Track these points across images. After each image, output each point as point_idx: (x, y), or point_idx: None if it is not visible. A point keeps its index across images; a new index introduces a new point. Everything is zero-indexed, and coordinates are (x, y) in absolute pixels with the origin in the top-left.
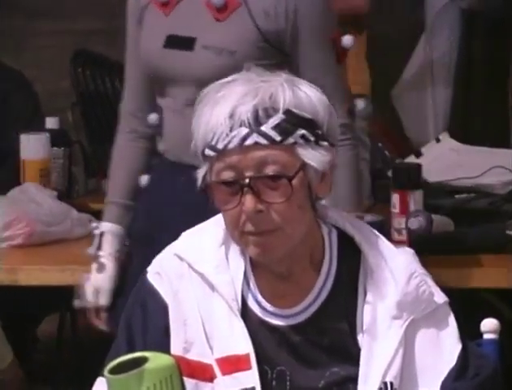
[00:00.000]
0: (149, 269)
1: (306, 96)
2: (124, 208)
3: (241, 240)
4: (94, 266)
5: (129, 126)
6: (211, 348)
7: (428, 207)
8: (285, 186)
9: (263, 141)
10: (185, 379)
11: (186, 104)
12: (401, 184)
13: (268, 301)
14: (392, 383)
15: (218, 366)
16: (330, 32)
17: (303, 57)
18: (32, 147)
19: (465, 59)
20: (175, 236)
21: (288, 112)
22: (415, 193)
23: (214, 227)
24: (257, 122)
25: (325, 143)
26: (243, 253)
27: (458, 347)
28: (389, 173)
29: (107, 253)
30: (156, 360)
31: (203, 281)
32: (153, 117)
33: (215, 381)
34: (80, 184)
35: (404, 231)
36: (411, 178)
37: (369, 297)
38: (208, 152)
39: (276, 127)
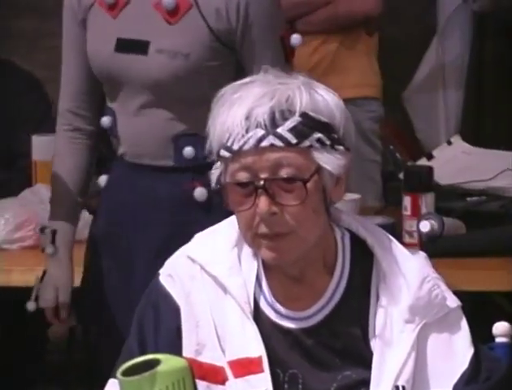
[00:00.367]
0: (162, 271)
1: (323, 99)
2: (74, 205)
3: (254, 242)
4: (52, 263)
5: (68, 123)
6: (223, 350)
7: (440, 210)
8: (300, 189)
9: (279, 143)
10: (198, 381)
11: (141, 107)
12: (412, 187)
13: (281, 303)
14: (404, 387)
15: (230, 368)
16: (279, 30)
17: (252, 55)
18: (44, 148)
19: (476, 62)
20: (146, 233)
21: (304, 115)
22: (427, 196)
23: (227, 229)
24: (273, 124)
25: (341, 147)
26: (255, 255)
27: (470, 351)
28: (401, 176)
29: (63, 251)
30: (169, 362)
31: (215, 283)
32: (105, 120)
33: (227, 383)
34: (91, 184)
35: (415, 234)
36: (423, 181)
37: (382, 301)
38: (223, 153)
39: (292, 130)
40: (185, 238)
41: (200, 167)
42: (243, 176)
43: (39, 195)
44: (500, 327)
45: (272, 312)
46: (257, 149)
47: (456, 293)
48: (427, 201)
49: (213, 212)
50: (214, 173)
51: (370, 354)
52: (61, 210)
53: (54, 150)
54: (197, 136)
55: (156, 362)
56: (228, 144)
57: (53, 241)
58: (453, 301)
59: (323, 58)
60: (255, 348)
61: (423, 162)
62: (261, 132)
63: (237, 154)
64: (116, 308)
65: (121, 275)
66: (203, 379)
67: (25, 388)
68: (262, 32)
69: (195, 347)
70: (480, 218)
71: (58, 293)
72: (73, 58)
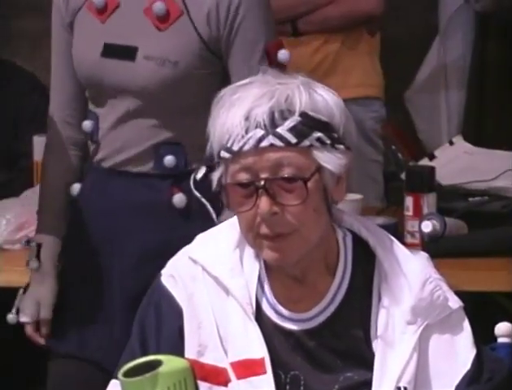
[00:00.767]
0: (164, 271)
1: (323, 99)
2: (60, 218)
3: (255, 243)
4: (35, 278)
5: (62, 133)
6: (226, 351)
7: (442, 210)
8: (301, 188)
9: (279, 143)
10: (199, 382)
11: (127, 114)
12: (414, 187)
13: (282, 305)
14: (406, 388)
15: (232, 369)
16: (266, 38)
17: (235, 61)
18: None
19: (478, 62)
20: (126, 239)
21: (304, 115)
22: (429, 196)
23: (228, 230)
24: (273, 124)
25: (341, 146)
26: (257, 256)
27: (473, 352)
28: (402, 176)
29: (47, 265)
30: (170, 363)
31: (217, 284)
32: (87, 123)
33: (230, 385)
34: None
35: (417, 235)
36: (425, 181)
37: (383, 302)
38: (223, 154)
39: (292, 130)
40: (165, 244)
41: (180, 174)
42: (243, 177)
43: None
44: (502, 328)
45: (274, 313)
46: (257, 149)
47: (458, 294)
48: (429, 202)
49: (192, 219)
50: (215, 175)
51: (372, 355)
52: (47, 222)
53: (45, 158)
54: (180, 146)
55: (158, 363)
56: (228, 145)
57: (38, 255)
58: (455, 302)
59: (324, 57)
60: (258, 349)
61: (424, 162)
62: (260, 133)
63: (237, 155)
64: (90, 319)
65: (98, 282)
66: (205, 380)
67: (25, 388)
68: (249, 35)
69: (197, 348)
70: (482, 219)
71: (39, 309)
72: (62, 64)
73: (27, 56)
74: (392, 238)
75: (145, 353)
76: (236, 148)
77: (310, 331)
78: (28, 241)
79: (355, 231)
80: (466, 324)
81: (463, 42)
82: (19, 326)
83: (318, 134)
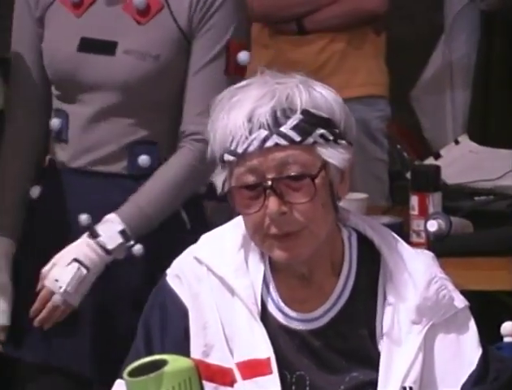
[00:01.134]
0: (169, 271)
1: (322, 96)
2: (17, 221)
3: (264, 243)
4: None
5: (19, 129)
6: (231, 352)
7: (447, 209)
8: (308, 186)
9: (283, 142)
10: (205, 382)
11: (100, 111)
12: (419, 186)
13: (288, 305)
14: (411, 388)
15: (238, 370)
16: (231, 33)
17: (197, 50)
18: None
19: (484, 61)
20: None
21: (305, 112)
22: (434, 195)
23: (233, 230)
24: (276, 123)
25: (343, 141)
26: (263, 256)
27: (478, 351)
28: (408, 175)
29: (4, 271)
30: (175, 363)
31: (222, 285)
32: (55, 121)
33: (236, 385)
34: None
35: (423, 234)
36: (430, 180)
37: (389, 301)
38: (227, 157)
39: (295, 128)
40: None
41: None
42: (250, 179)
43: None
44: (508, 327)
45: (279, 314)
46: (261, 150)
47: (463, 293)
48: (435, 201)
49: (164, 221)
50: (218, 178)
51: (378, 355)
52: (4, 225)
53: (2, 158)
54: (156, 146)
55: (163, 363)
56: (232, 147)
57: None
58: (460, 302)
59: (330, 57)
60: (263, 349)
61: (430, 161)
62: (264, 133)
63: (242, 157)
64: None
65: None
66: (211, 380)
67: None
68: (217, 27)
69: (203, 348)
70: (488, 218)
71: None
72: (28, 59)
73: None
74: (397, 237)
75: (150, 353)
76: (240, 150)
77: (316, 331)
78: None
79: (360, 231)
80: (472, 324)
81: (468, 41)
82: None
83: (321, 131)
